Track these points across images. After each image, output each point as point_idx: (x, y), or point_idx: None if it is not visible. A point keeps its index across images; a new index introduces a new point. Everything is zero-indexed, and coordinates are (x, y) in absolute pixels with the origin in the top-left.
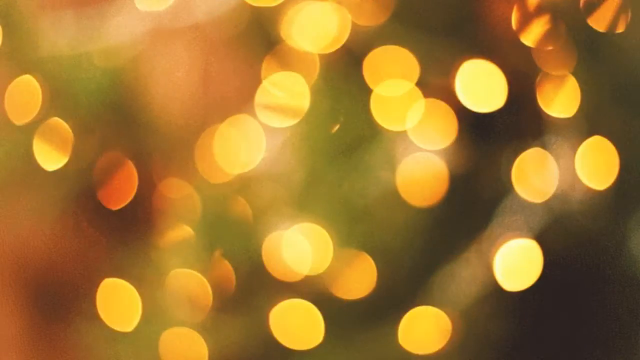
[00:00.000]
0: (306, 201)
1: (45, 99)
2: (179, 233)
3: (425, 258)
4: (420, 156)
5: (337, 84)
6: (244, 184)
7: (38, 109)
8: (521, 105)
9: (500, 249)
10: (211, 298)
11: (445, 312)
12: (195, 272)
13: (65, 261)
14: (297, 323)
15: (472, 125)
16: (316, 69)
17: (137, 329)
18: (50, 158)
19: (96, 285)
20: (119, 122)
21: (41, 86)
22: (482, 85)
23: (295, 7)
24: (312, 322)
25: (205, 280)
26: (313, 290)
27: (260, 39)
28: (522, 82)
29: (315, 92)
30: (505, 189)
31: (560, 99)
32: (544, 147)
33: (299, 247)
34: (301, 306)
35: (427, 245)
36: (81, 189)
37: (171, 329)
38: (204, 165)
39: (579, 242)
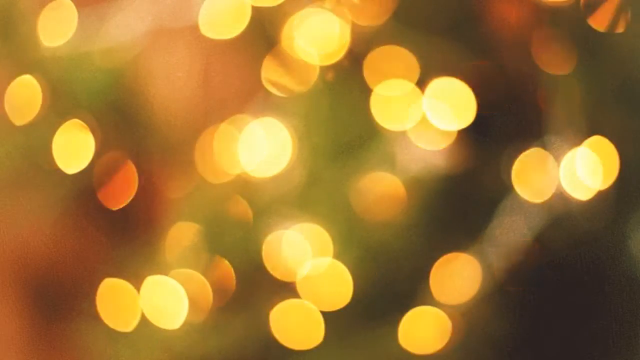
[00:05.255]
0: (306, 201)
1: (45, 99)
2: (179, 233)
3: (425, 258)
4: (420, 156)
5: (337, 84)
6: (244, 184)
7: (38, 109)
8: (521, 105)
9: (502, 247)
10: (211, 298)
11: (445, 312)
12: (195, 272)
13: (65, 261)
14: (297, 323)
15: (472, 125)
16: (316, 69)
17: (137, 329)
18: (50, 158)
19: (96, 285)
20: (119, 122)
21: (41, 86)
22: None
23: (295, 7)
24: (312, 322)
25: (205, 280)
26: (313, 290)
27: (260, 39)
28: (522, 82)
29: (315, 92)
30: (505, 189)
31: (560, 99)
32: (544, 147)
33: (299, 247)
34: (301, 306)
35: (427, 245)
36: (81, 189)
37: (171, 329)
38: (204, 165)
39: (579, 242)
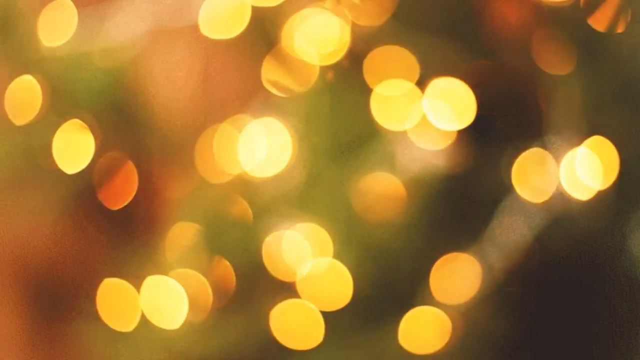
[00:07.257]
0: (306, 201)
1: (45, 99)
2: (179, 233)
3: (425, 258)
4: (420, 156)
5: (337, 84)
6: (244, 184)
7: (38, 109)
8: (521, 105)
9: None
10: (211, 298)
11: (445, 312)
12: (195, 272)
13: (65, 261)
14: (297, 323)
15: (472, 125)
16: (316, 68)
17: (137, 329)
18: (50, 158)
19: (96, 285)
20: (119, 122)
21: (41, 86)
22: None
23: (295, 7)
24: (312, 322)
25: (205, 280)
26: (313, 290)
27: (260, 39)
28: (522, 82)
29: (315, 92)
30: (505, 189)
31: (560, 99)
32: (544, 147)
33: (299, 247)
34: (301, 306)
35: (427, 245)
36: (81, 189)
37: (171, 329)
38: (204, 165)
39: (579, 242)
